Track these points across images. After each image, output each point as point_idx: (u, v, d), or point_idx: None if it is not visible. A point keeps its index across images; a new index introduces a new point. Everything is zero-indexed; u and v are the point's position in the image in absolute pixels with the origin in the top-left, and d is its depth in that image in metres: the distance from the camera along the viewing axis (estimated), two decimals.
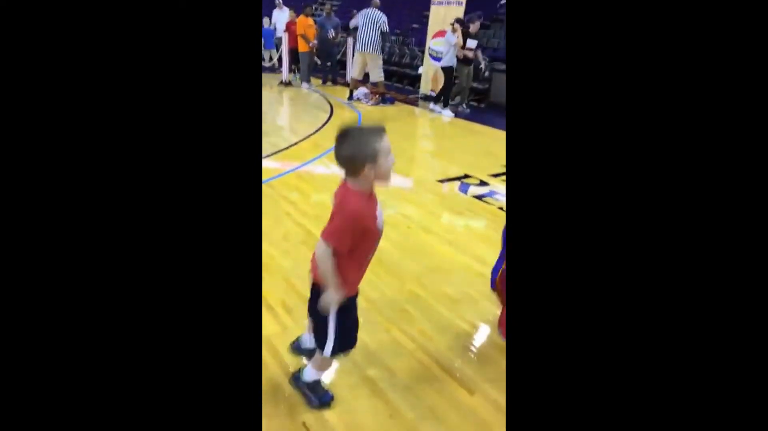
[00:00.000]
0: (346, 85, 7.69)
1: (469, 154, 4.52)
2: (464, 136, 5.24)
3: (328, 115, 5.95)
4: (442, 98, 6.43)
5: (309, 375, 1.41)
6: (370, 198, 1.20)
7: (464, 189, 3.47)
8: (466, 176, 3.73)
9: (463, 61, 6.31)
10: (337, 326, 1.26)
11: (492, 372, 1.62)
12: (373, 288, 2.03)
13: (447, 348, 1.73)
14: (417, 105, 7.21)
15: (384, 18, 6.47)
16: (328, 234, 1.15)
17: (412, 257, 2.40)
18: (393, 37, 9.26)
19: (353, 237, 1.15)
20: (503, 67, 7.67)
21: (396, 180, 3.10)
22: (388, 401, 1.46)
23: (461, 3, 6.98)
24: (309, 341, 1.47)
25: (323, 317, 1.25)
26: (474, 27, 6.27)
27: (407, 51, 9.59)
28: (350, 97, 7.04)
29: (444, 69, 6.38)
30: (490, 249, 2.53)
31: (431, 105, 6.55)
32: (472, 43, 6.16)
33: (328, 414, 1.40)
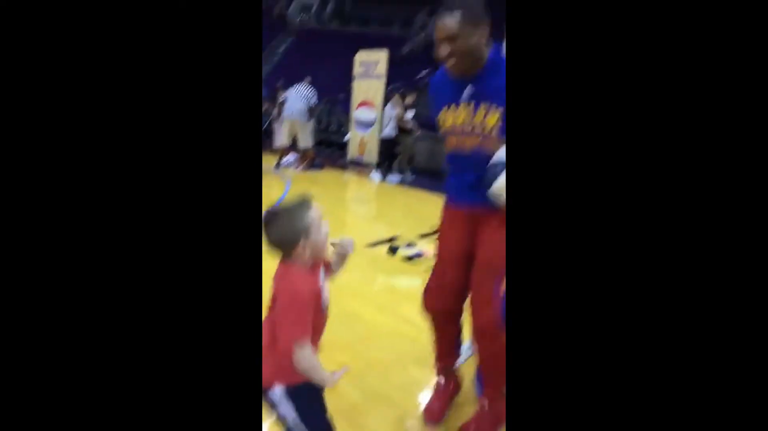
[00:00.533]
0: (273, 152, 7.75)
1: (398, 217, 4.64)
2: (392, 200, 5.41)
3: None
4: (384, 166, 6.72)
5: None
6: (314, 271, 1.13)
7: (392, 252, 3.53)
8: (393, 238, 3.81)
9: (404, 131, 6.74)
10: (303, 417, 1.14)
11: None
12: None
13: (380, 423, 1.66)
14: (346, 169, 7.41)
15: (312, 92, 6.82)
16: (294, 334, 1.05)
17: (341, 325, 2.34)
18: (320, 106, 9.62)
19: (308, 316, 1.07)
20: (422, 133, 8.21)
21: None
22: None
23: (381, 77, 7.49)
24: None
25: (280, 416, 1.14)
26: (409, 99, 6.79)
27: (334, 119, 9.98)
28: (277, 165, 7.08)
29: (384, 140, 6.73)
30: (419, 311, 2.54)
31: (372, 173, 6.76)
32: (409, 114, 6.60)
33: None
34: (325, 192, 5.65)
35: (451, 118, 1.39)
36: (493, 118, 1.32)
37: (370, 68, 7.66)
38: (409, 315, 2.48)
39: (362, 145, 7.80)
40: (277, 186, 5.98)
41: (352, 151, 7.99)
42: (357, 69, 7.83)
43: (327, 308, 1.19)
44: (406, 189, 6.19)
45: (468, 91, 1.35)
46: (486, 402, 1.55)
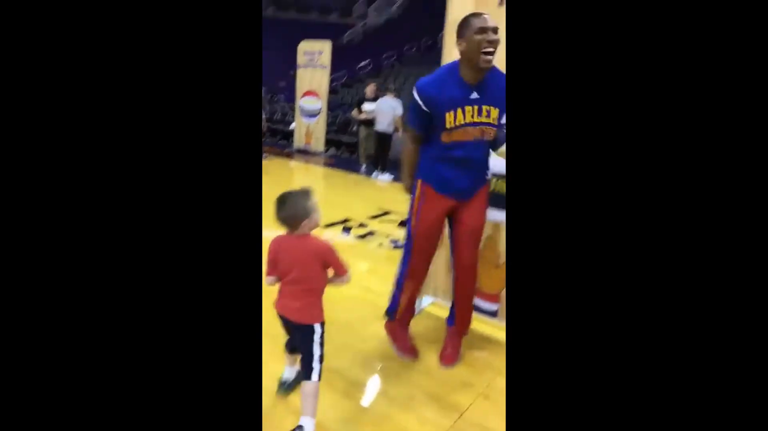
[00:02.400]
0: None
1: (347, 201, 4.95)
2: (341, 185, 5.69)
3: None
4: (380, 162, 6.40)
5: (307, 425, 1.50)
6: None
7: (346, 232, 3.84)
8: (347, 220, 4.12)
9: (364, 123, 6.57)
10: (322, 345, 1.56)
11: (392, 380, 1.92)
12: (274, 326, 2.21)
13: (350, 366, 1.99)
14: (292, 158, 7.54)
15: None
16: (343, 269, 1.56)
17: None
18: (264, 95, 9.60)
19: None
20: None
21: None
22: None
23: (326, 66, 7.68)
24: (289, 373, 1.78)
25: (309, 344, 1.54)
26: (370, 90, 6.66)
27: (278, 108, 9.98)
28: None
29: (381, 134, 6.32)
30: (374, 280, 2.90)
31: (374, 174, 6.35)
32: (369, 106, 6.42)
33: None
34: (273, 180, 5.82)
35: (460, 116, 1.71)
36: (494, 113, 1.74)
37: (314, 57, 7.81)
38: (366, 284, 2.82)
39: (308, 134, 7.97)
40: None
41: (298, 140, 8.13)
42: (301, 58, 7.95)
43: None
44: (355, 175, 6.48)
45: (474, 95, 1.71)
46: (454, 330, 2.11)
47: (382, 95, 6.34)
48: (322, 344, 1.56)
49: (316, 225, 1.54)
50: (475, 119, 1.72)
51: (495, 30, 1.63)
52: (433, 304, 2.57)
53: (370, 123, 6.46)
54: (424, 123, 1.76)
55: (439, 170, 1.82)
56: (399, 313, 2.08)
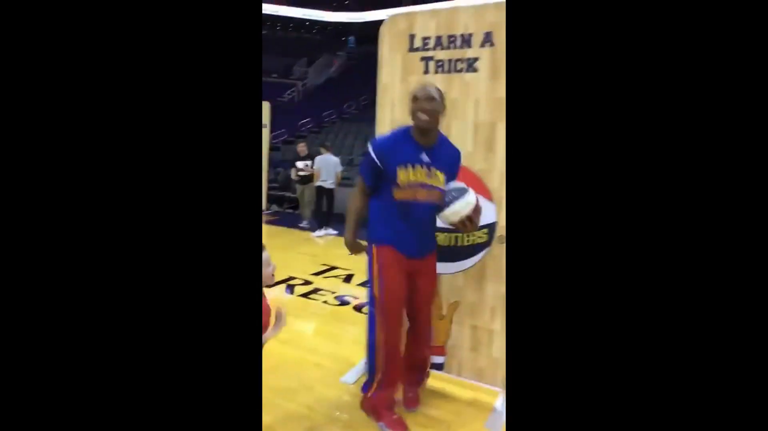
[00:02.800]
0: None
1: (291, 258, 4.86)
2: (284, 243, 5.59)
3: None
4: (325, 219, 6.38)
5: None
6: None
7: (289, 290, 3.74)
8: (290, 278, 4.02)
9: (302, 180, 6.71)
10: None
11: None
12: None
13: None
14: None
15: None
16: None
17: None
18: None
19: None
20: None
21: None
22: None
23: (266, 126, 7.75)
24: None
25: None
26: (301, 148, 6.84)
27: None
28: None
29: (325, 190, 6.37)
30: (319, 340, 2.82)
31: (317, 232, 6.28)
32: (302, 164, 6.63)
33: None
34: None
35: (410, 174, 1.80)
36: (441, 177, 1.82)
37: None
38: (312, 346, 2.72)
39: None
40: None
41: None
42: None
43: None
44: (297, 231, 6.41)
45: (424, 157, 1.80)
46: (411, 380, 2.11)
47: (320, 153, 6.51)
48: None
49: (269, 280, 1.53)
50: (424, 180, 1.81)
51: (428, 99, 1.76)
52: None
53: (306, 179, 6.62)
54: (374, 176, 1.85)
55: (393, 225, 1.86)
56: (374, 387, 1.96)
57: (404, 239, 1.87)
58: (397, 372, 1.96)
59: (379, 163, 1.80)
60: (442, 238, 2.19)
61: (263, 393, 1.96)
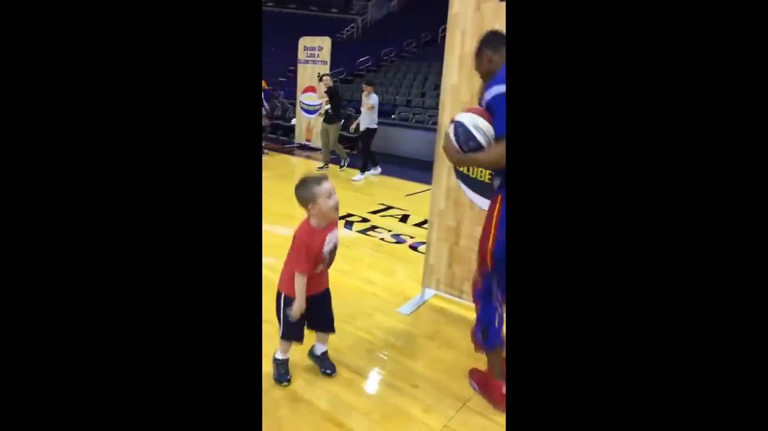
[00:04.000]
0: None
1: (349, 196, 4.98)
2: (341, 181, 5.71)
3: None
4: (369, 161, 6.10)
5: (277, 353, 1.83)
6: (324, 229, 1.66)
7: (349, 227, 3.87)
8: (349, 215, 4.15)
9: (325, 118, 6.16)
10: (281, 319, 1.75)
11: (396, 370, 1.96)
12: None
13: (355, 356, 2.03)
14: (293, 154, 7.57)
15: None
16: (296, 267, 1.63)
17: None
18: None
19: (308, 257, 1.63)
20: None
21: (282, 229, 3.35)
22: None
23: (326, 62, 7.68)
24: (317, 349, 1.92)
25: (278, 314, 1.74)
26: (325, 81, 6.18)
27: (278, 103, 9.99)
28: None
29: (369, 131, 5.99)
30: (376, 273, 2.95)
31: (357, 177, 5.92)
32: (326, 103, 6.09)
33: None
34: (275, 174, 5.84)
35: None
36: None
37: (315, 53, 7.81)
38: (367, 276, 2.86)
39: (309, 130, 7.99)
40: None
41: (299, 136, 8.15)
42: (301, 54, 7.95)
43: (330, 253, 1.73)
44: (354, 171, 6.51)
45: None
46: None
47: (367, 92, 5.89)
48: (279, 311, 1.74)
49: (329, 214, 1.62)
50: None
51: (476, 55, 1.68)
52: (435, 296, 2.61)
53: (326, 117, 6.08)
54: None
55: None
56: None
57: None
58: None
59: None
60: (477, 173, 2.20)
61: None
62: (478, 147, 1.52)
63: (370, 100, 5.85)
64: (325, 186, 1.58)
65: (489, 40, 1.65)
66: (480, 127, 1.52)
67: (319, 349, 1.91)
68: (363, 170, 5.99)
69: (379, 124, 6.17)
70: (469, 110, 1.60)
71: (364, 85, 6.00)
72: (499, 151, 1.46)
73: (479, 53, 1.66)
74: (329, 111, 6.05)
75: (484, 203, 2.18)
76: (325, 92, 6.10)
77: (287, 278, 1.69)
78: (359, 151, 6.03)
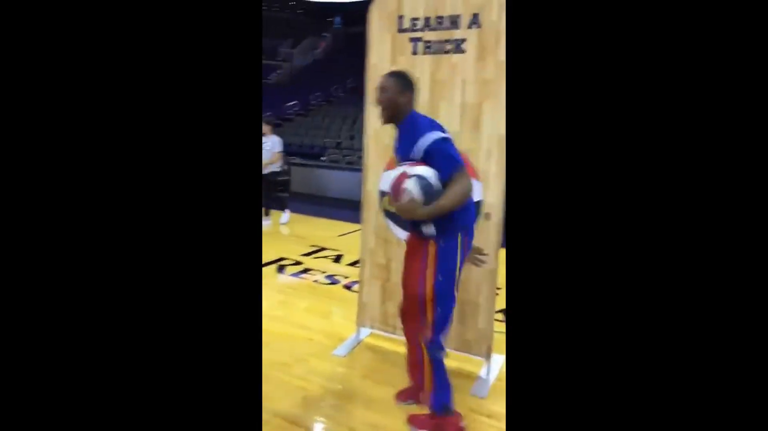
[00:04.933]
0: None
1: (280, 240, 4.90)
2: (273, 224, 5.62)
3: None
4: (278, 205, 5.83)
5: None
6: None
7: (281, 271, 3.80)
8: (281, 259, 4.08)
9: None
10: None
11: (333, 415, 1.92)
12: None
13: (291, 405, 1.96)
14: None
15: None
16: None
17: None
18: None
19: None
20: (299, 160, 8.58)
21: None
22: None
23: None
24: None
25: None
26: (266, 128, 5.72)
27: None
28: None
29: (274, 176, 5.70)
30: (311, 316, 2.91)
31: (281, 218, 5.79)
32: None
33: None
34: None
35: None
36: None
37: None
38: (301, 321, 2.80)
39: None
40: None
41: None
42: None
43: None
44: (281, 212, 6.44)
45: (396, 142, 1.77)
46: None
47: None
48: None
49: None
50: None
51: (381, 89, 1.75)
52: (371, 335, 2.61)
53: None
54: None
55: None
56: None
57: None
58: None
59: None
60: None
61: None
62: (438, 195, 1.58)
63: (269, 142, 5.46)
64: None
65: (398, 78, 1.73)
66: (432, 176, 1.59)
67: None
68: (266, 214, 5.65)
69: (308, 166, 6.09)
70: (412, 164, 1.64)
71: (263, 124, 5.42)
72: (458, 189, 1.56)
73: (384, 89, 1.71)
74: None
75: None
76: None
77: None
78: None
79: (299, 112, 12.49)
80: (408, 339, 1.92)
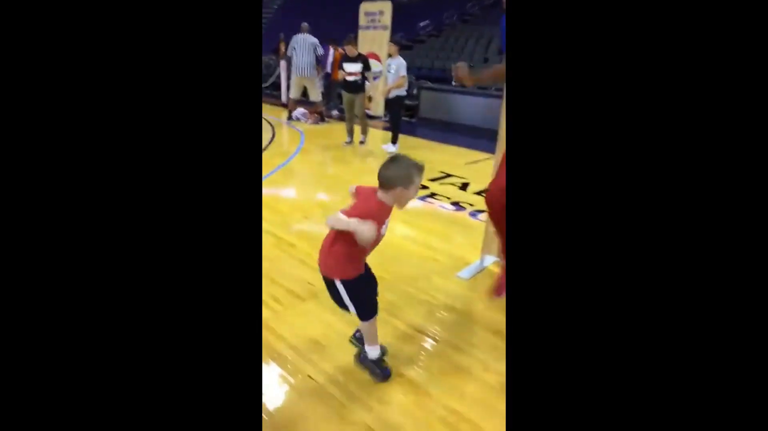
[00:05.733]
0: (283, 105, 7.96)
1: None
2: (402, 149, 5.73)
3: (270, 135, 6.20)
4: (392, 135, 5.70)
5: (370, 352, 1.71)
6: (388, 210, 1.52)
7: None
8: None
9: (346, 86, 5.58)
10: (351, 298, 1.56)
11: (454, 329, 2.03)
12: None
13: (415, 315, 2.12)
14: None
15: (316, 41, 6.65)
16: (353, 214, 1.42)
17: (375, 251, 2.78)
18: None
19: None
20: (429, 84, 8.37)
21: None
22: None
23: (387, 27, 7.58)
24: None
25: (338, 297, 1.56)
26: (350, 49, 5.49)
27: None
28: (289, 117, 7.33)
29: (390, 101, 5.69)
30: (436, 238, 3.00)
31: (384, 146, 5.70)
32: (351, 67, 5.47)
33: (339, 373, 1.73)
34: (333, 143, 5.96)
35: None
36: None
37: (375, 18, 7.73)
38: (426, 241, 2.92)
39: (369, 98, 8.01)
40: (292, 137, 6.28)
41: None
42: (362, 19, 7.89)
43: (382, 236, 1.56)
44: (413, 139, 6.48)
45: None
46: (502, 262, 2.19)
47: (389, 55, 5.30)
48: (354, 296, 1.56)
49: (405, 203, 1.52)
50: None
51: None
52: (495, 263, 2.62)
53: (351, 86, 5.52)
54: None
55: None
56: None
57: None
58: None
59: None
60: None
61: (390, 275, 2.17)
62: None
63: (393, 65, 5.30)
64: (421, 178, 1.51)
65: None
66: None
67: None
68: (393, 141, 5.62)
69: (439, 90, 5.96)
70: None
71: (389, 45, 5.37)
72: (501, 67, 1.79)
73: None
74: (357, 80, 5.50)
75: None
76: (354, 58, 5.48)
77: (342, 261, 1.52)
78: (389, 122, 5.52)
79: (432, 32, 11.99)
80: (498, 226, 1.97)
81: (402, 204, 1.52)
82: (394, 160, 1.50)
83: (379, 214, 1.48)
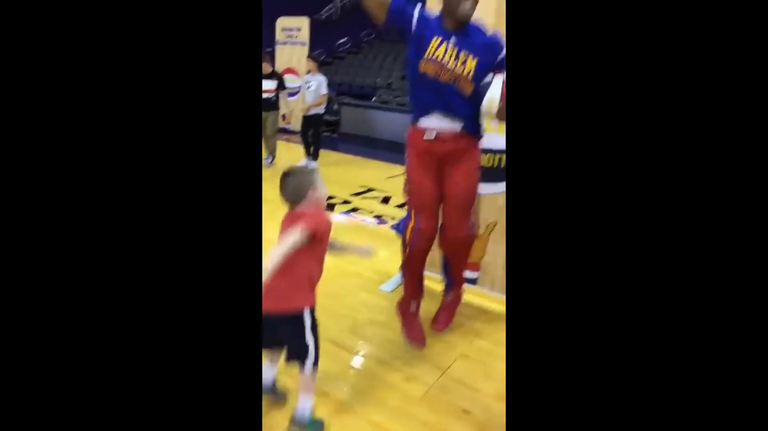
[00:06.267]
0: None
1: (329, 180, 5.00)
2: (323, 164, 5.72)
3: None
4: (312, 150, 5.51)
5: (305, 407, 1.43)
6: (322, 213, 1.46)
7: (330, 209, 3.92)
8: (331, 197, 4.20)
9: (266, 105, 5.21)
10: (314, 332, 1.40)
11: (379, 343, 2.05)
12: None
13: (339, 331, 2.11)
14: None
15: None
16: (303, 223, 1.31)
17: None
18: None
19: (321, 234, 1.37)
20: (349, 101, 8.50)
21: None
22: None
23: (305, 44, 7.59)
24: (270, 377, 1.57)
25: (299, 334, 1.37)
26: (264, 66, 5.18)
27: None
28: None
29: (314, 117, 5.44)
30: None
31: (305, 161, 5.50)
32: (266, 84, 5.21)
33: None
34: None
35: (441, 49, 1.71)
36: (470, 65, 1.70)
37: (293, 34, 7.70)
38: (351, 257, 2.92)
39: (289, 113, 7.91)
40: None
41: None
42: (279, 35, 7.82)
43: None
44: (335, 153, 6.50)
45: (453, 39, 1.71)
46: (451, 295, 2.23)
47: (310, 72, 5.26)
48: (315, 329, 1.42)
49: (321, 203, 1.50)
50: (450, 63, 1.71)
51: None
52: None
53: (265, 104, 5.18)
54: (406, 11, 1.77)
55: (416, 91, 1.84)
56: (402, 293, 2.14)
57: (429, 103, 1.79)
58: (414, 281, 2.09)
59: (415, 17, 1.75)
60: (484, 160, 2.23)
61: (319, 295, 2.13)
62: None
63: (313, 81, 5.18)
64: (319, 174, 1.51)
65: None
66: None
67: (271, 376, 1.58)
68: (315, 157, 5.46)
69: (360, 106, 6.00)
70: (494, 73, 1.74)
71: (308, 61, 5.30)
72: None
73: None
74: (271, 98, 5.22)
75: (487, 188, 2.25)
76: (267, 75, 5.22)
77: (306, 285, 1.39)
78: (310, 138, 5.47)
79: (351, 50, 12.20)
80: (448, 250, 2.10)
81: (321, 203, 1.50)
82: (285, 177, 1.44)
83: (323, 224, 1.40)
